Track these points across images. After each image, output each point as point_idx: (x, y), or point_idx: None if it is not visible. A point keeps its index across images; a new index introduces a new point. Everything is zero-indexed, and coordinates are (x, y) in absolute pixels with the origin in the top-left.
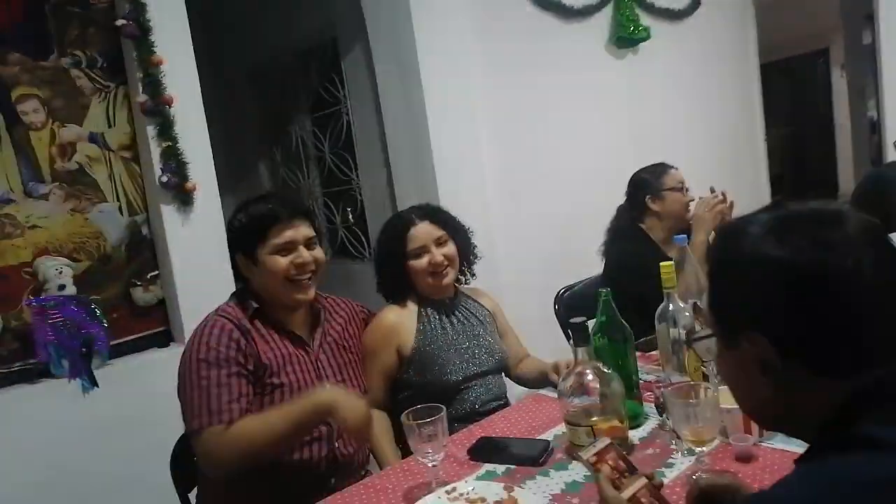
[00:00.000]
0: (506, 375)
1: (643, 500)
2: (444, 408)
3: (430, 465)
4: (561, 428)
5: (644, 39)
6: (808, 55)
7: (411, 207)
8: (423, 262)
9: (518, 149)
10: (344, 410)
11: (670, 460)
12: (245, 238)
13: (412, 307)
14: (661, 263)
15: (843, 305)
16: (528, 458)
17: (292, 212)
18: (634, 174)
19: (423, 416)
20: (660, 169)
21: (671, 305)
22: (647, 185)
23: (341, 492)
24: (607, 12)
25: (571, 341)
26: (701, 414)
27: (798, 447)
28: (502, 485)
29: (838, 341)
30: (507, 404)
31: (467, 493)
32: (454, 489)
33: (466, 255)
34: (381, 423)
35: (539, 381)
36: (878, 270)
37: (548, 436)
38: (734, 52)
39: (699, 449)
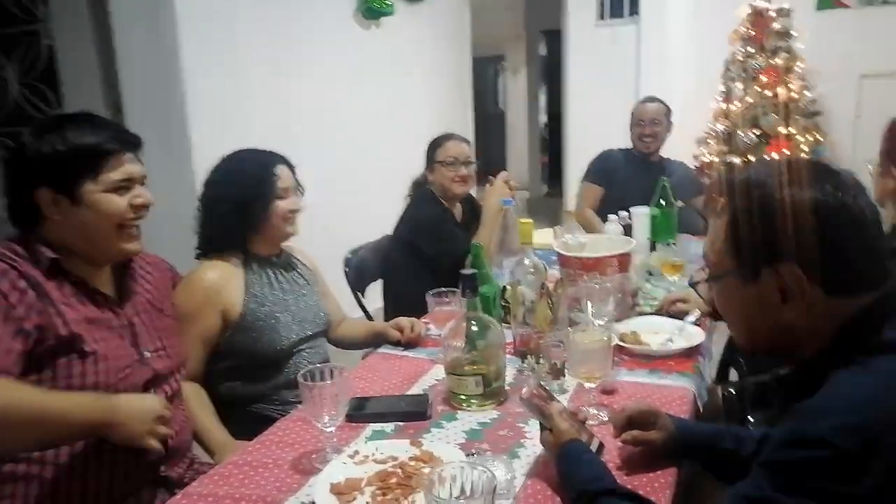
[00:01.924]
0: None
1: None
2: (344, 367)
3: (326, 430)
4: (427, 381)
5: (388, 14)
6: (486, 59)
7: (254, 149)
8: (288, 203)
9: (281, 109)
10: (127, 425)
11: None
12: (64, 170)
13: (237, 264)
14: (520, 220)
15: (857, 236)
16: (416, 413)
17: (132, 142)
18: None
19: (320, 376)
20: (437, 141)
21: (526, 260)
22: (427, 154)
23: (207, 475)
24: None
25: (459, 292)
26: (598, 355)
27: (647, 380)
28: (407, 441)
29: (852, 265)
30: None
31: (373, 455)
32: (356, 452)
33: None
34: (198, 399)
35: (367, 341)
36: (869, 209)
37: (416, 390)
38: (454, 41)
39: (590, 385)
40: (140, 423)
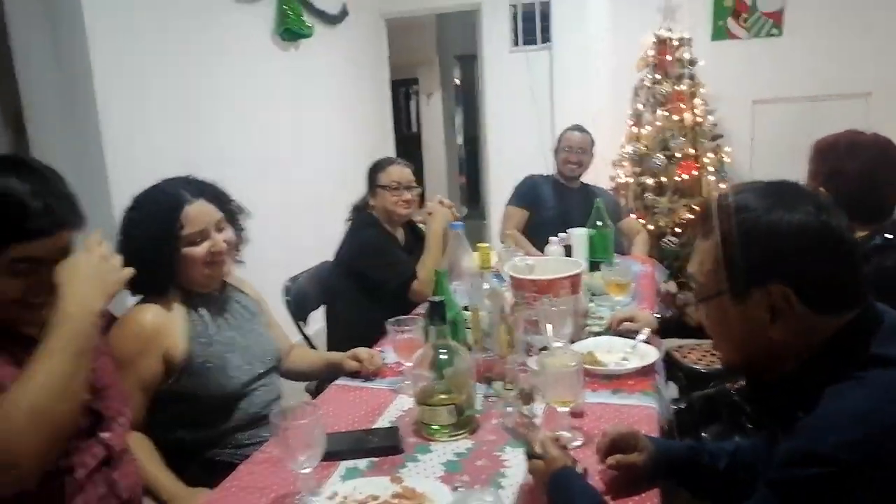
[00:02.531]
0: None
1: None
2: (319, 406)
3: (302, 471)
4: (392, 412)
5: (307, 36)
6: (399, 82)
7: (173, 179)
8: (202, 249)
9: (198, 131)
10: None
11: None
12: None
13: (176, 304)
14: (479, 245)
15: (841, 255)
16: (389, 447)
17: (72, 222)
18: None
19: (294, 416)
20: (379, 165)
21: (485, 284)
22: (368, 178)
23: None
24: (271, 3)
25: (427, 319)
26: (571, 378)
27: (611, 401)
28: (387, 478)
29: (838, 283)
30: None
31: (352, 494)
32: (335, 493)
33: (239, 239)
34: (144, 449)
35: (320, 372)
36: (847, 228)
37: (383, 423)
38: (372, 63)
39: (562, 409)
40: None
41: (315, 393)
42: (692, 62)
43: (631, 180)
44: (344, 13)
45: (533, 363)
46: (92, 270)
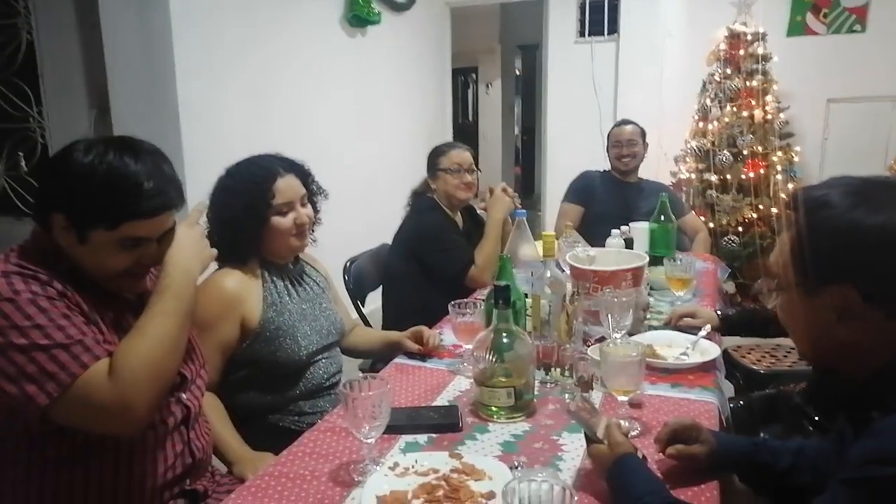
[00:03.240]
0: None
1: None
2: (387, 380)
3: (367, 441)
4: (451, 392)
5: (376, 23)
6: (458, 70)
7: (266, 155)
8: (288, 220)
9: (268, 115)
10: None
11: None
12: (85, 211)
13: (254, 272)
14: (543, 233)
15: None
16: (448, 424)
17: (175, 204)
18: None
19: (362, 388)
20: (440, 149)
21: (548, 272)
22: (428, 162)
23: (244, 487)
24: None
25: (493, 303)
26: (633, 369)
27: (671, 394)
28: (446, 453)
29: None
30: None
31: (413, 467)
32: (396, 464)
33: (315, 218)
34: (217, 410)
35: (381, 351)
36: None
37: (441, 401)
38: (435, 51)
39: (622, 398)
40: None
41: (369, 371)
42: (766, 57)
43: (693, 176)
44: (412, 1)
45: (593, 352)
46: (192, 243)
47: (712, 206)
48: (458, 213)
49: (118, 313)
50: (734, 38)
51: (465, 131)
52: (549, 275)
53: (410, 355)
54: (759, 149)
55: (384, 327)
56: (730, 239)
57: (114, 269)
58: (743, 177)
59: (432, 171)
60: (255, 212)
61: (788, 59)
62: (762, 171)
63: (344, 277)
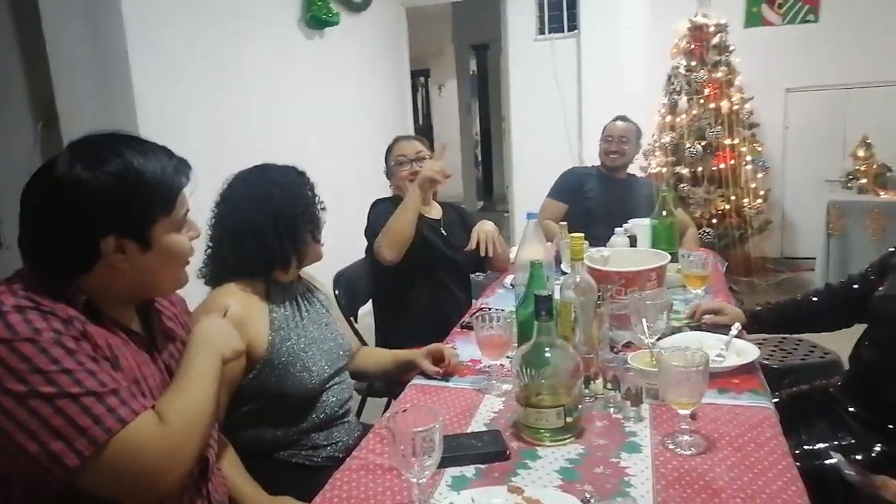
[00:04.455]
0: None
1: None
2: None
3: (419, 481)
4: (484, 414)
5: (334, 23)
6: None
7: (284, 166)
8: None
9: (224, 118)
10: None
11: (627, 429)
12: (134, 211)
13: (257, 293)
14: (571, 235)
15: None
16: (495, 453)
17: (190, 169)
18: None
19: (406, 421)
20: (389, 147)
21: (577, 276)
22: (385, 159)
23: None
24: None
25: (535, 314)
26: (697, 378)
27: (723, 401)
28: (504, 488)
29: None
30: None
31: None
32: None
33: None
34: (228, 455)
35: (393, 372)
36: None
37: (476, 426)
38: (393, 52)
39: (683, 412)
40: None
41: (365, 393)
42: (727, 49)
43: (664, 170)
44: (368, 1)
45: (635, 361)
46: (215, 328)
47: (685, 199)
48: (434, 206)
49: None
50: (697, 31)
51: (421, 135)
52: (578, 279)
53: (428, 375)
54: (728, 140)
55: (378, 343)
56: (705, 231)
57: (187, 255)
58: (714, 169)
59: (387, 169)
60: (290, 223)
61: (747, 51)
62: (732, 161)
63: (334, 291)
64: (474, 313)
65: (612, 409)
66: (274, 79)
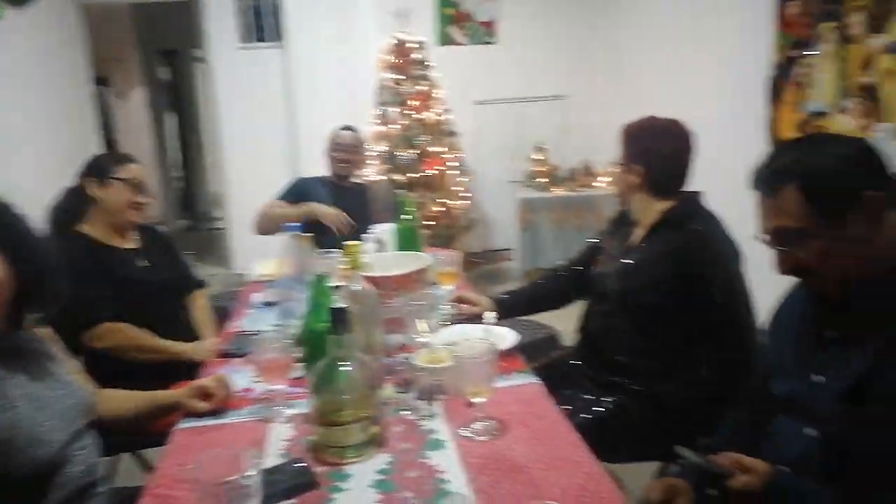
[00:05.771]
0: None
1: None
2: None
3: None
4: (276, 445)
5: None
6: None
7: None
8: None
9: None
10: None
11: (424, 428)
12: None
13: None
14: (347, 244)
15: None
16: (304, 484)
17: None
18: None
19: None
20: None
21: (356, 285)
22: None
23: None
24: None
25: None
26: (486, 368)
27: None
28: None
29: None
30: None
31: None
32: None
33: None
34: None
35: (146, 417)
36: None
37: (271, 460)
38: (68, 56)
39: (480, 400)
40: None
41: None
42: (425, 63)
43: (383, 177)
44: None
45: (419, 361)
46: None
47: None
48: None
49: None
50: (400, 46)
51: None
52: (357, 288)
53: (198, 415)
54: (435, 148)
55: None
56: (425, 233)
57: None
58: (425, 174)
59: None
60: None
61: (443, 66)
62: (440, 167)
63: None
64: (232, 338)
65: (405, 412)
66: None
